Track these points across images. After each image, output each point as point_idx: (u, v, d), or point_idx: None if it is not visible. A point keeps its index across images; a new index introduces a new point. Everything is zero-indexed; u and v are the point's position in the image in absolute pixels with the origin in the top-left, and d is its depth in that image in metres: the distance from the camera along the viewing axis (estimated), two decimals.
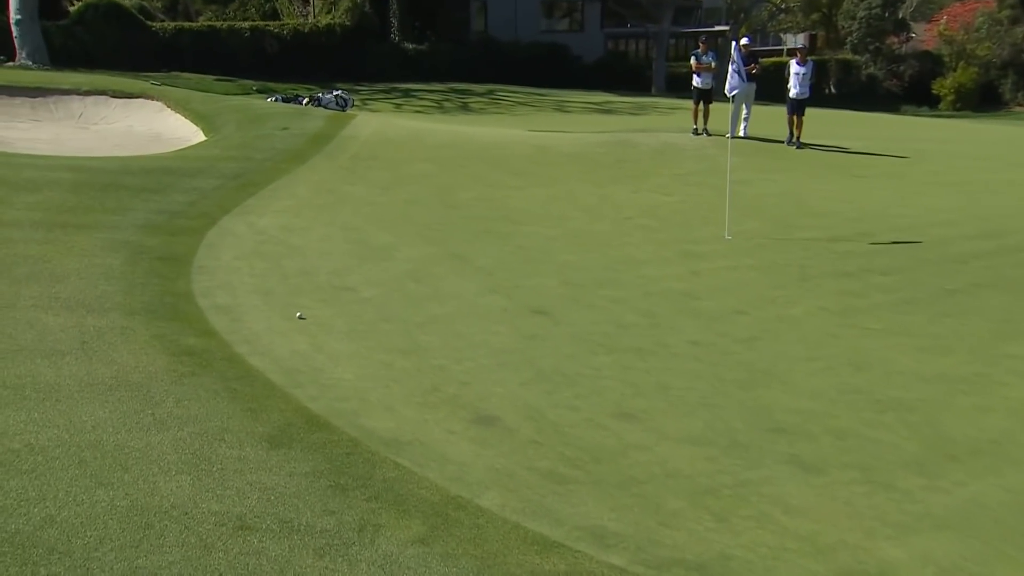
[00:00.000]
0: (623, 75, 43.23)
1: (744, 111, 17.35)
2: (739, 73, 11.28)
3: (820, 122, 22.36)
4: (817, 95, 35.27)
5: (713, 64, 17.66)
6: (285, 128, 16.32)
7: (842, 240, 10.67)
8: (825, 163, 15.99)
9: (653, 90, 42.27)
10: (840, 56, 49.08)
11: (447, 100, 31.34)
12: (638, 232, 10.90)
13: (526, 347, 6.71)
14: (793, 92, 16.85)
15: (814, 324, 7.67)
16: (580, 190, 13.33)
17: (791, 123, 17.10)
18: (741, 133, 17.34)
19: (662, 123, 21.61)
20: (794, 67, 16.98)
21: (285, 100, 23.78)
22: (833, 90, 46.17)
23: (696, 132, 17.52)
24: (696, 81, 17.49)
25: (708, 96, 17.48)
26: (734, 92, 11.58)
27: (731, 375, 6.39)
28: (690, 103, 18.20)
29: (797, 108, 16.96)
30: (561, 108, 30.41)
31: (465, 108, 29.55)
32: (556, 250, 9.84)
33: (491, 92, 34.17)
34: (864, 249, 10.30)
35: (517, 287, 8.30)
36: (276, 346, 6.28)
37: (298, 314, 7.05)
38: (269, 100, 23.50)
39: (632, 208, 12.27)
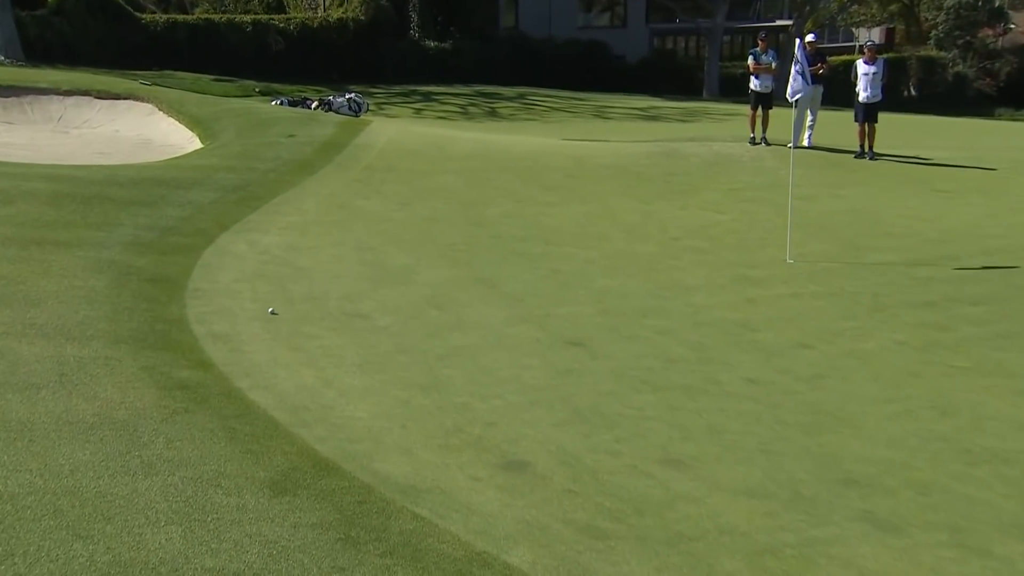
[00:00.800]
0: (671, 77, 43.42)
1: (809, 117, 17.33)
2: (803, 75, 11.27)
3: (897, 129, 22.22)
4: (894, 98, 34.80)
5: (773, 65, 17.66)
6: (291, 135, 16.50)
7: (923, 264, 10.60)
8: (903, 176, 15.91)
9: (705, 93, 42.37)
10: (922, 53, 48.76)
11: (473, 105, 31.57)
12: (687, 254, 10.90)
13: (560, 383, 6.72)
14: (863, 96, 16.73)
15: (890, 361, 7.61)
16: (621, 207, 13.34)
17: (862, 132, 17.00)
18: (805, 142, 17.32)
19: (715, 131, 21.64)
20: (862, 67, 16.88)
21: (291, 104, 24.10)
22: (913, 92, 45.83)
23: (753, 141, 17.51)
24: (754, 84, 17.51)
25: (767, 101, 17.48)
26: (797, 96, 11.57)
27: (794, 418, 6.35)
28: (747, 108, 18.22)
29: (868, 114, 16.85)
30: (601, 114, 30.52)
31: (493, 114, 29.73)
32: (594, 274, 9.85)
33: (522, 96, 34.40)
34: (949, 275, 10.22)
35: (550, 316, 8.32)
36: (280, 380, 6.32)
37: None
38: (273, 103, 23.80)
39: (680, 227, 12.27)
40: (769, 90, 17.51)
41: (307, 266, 9.42)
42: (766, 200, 13.71)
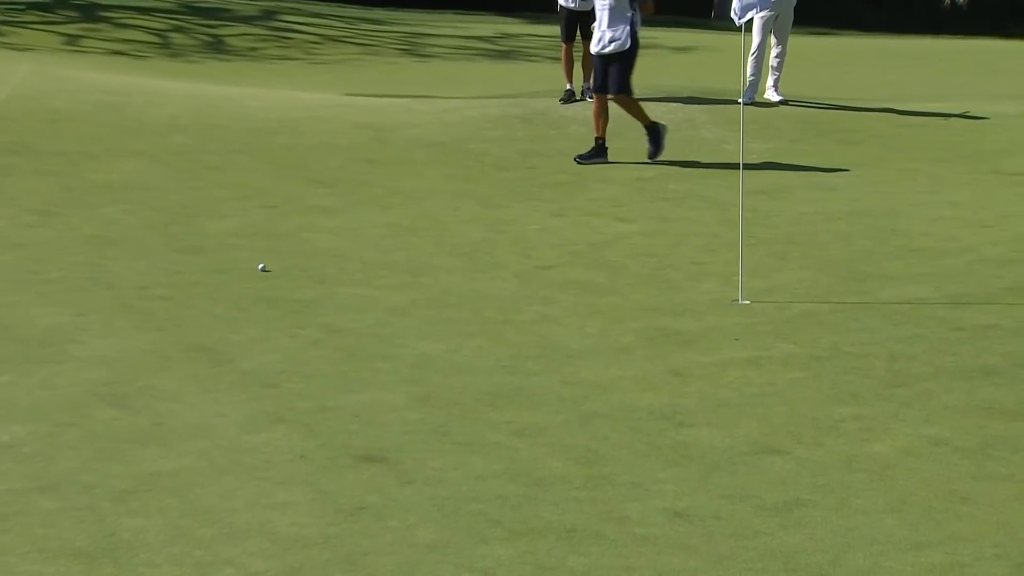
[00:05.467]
0: None
1: (774, 51, 17.72)
2: None
3: (928, 65, 22.83)
4: (928, 13, 35.28)
5: None
6: None
7: (975, 303, 10.91)
8: (941, 149, 16.35)
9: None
10: None
11: (178, 30, 31.32)
12: (566, 294, 11.07)
13: (344, 533, 6.71)
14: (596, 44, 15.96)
15: (922, 474, 7.77)
16: (453, 213, 13.46)
17: (602, 113, 16.16)
18: (769, 95, 17.78)
19: None
20: None
21: None
22: (961, 2, 47.50)
23: (571, 96, 18.15)
24: None
25: (586, 25, 17.47)
26: (750, 14, 11.80)
27: None
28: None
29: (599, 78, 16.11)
30: (414, 48, 30.72)
31: (217, 47, 29.60)
32: (405, 334, 9.92)
33: (272, 14, 34.33)
34: (1021, 321, 10.55)
35: (326, 411, 8.33)
36: None
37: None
38: None
39: (554, 247, 12.47)
40: (589, 7, 17.34)
41: None
42: (701, 197, 14.01)
